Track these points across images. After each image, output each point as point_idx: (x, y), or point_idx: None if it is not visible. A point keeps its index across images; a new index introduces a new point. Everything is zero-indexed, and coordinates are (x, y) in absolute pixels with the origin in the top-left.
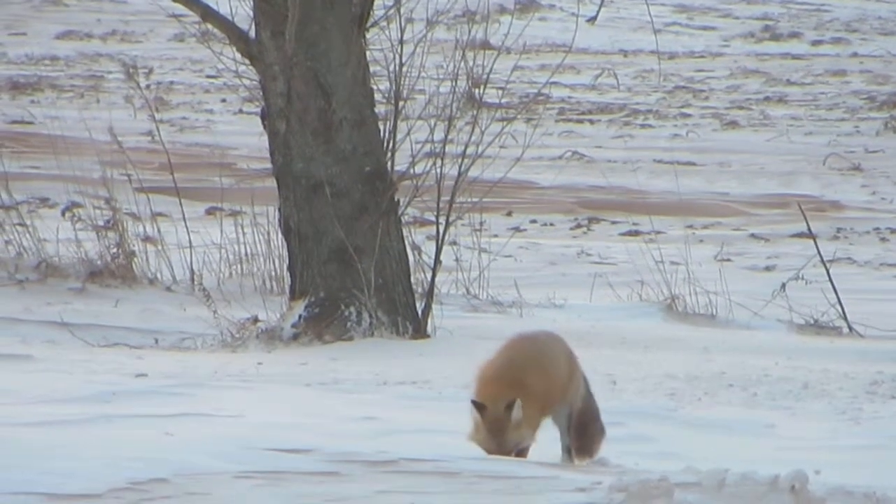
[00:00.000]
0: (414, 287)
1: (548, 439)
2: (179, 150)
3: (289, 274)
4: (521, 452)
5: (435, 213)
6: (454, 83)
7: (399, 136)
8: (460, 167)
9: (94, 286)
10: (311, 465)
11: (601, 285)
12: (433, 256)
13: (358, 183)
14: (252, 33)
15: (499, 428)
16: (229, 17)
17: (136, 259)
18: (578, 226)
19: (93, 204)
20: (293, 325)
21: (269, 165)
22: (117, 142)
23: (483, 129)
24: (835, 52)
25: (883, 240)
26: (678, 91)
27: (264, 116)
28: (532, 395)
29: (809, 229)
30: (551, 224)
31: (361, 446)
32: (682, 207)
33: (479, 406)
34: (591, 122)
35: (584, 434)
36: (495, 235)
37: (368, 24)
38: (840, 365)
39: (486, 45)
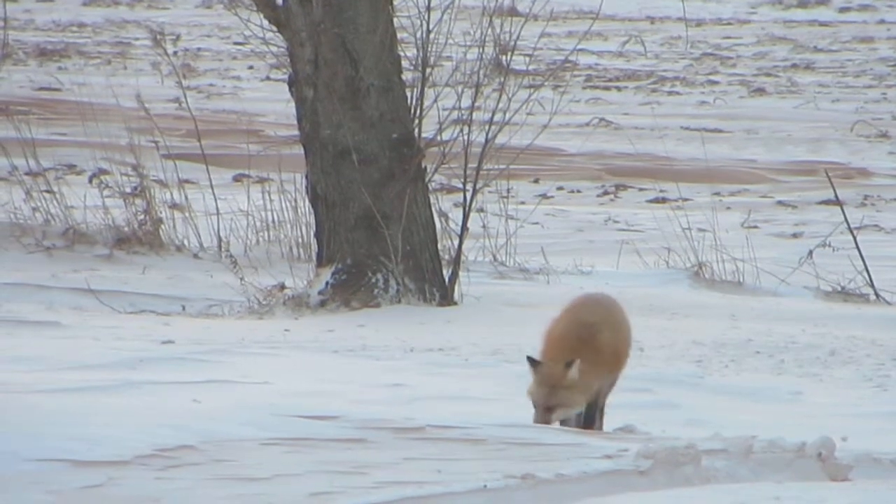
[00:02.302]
0: (441, 254)
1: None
2: (207, 117)
3: (316, 241)
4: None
5: (462, 179)
6: (481, 50)
7: (426, 103)
8: (487, 134)
9: (121, 253)
10: (338, 431)
11: (628, 252)
12: (460, 223)
13: (385, 150)
14: (279, 0)
15: (552, 383)
16: None
17: (163, 226)
18: (605, 193)
19: (120, 171)
20: (320, 292)
21: (296, 132)
22: (144, 108)
23: (510, 95)
24: (862, 19)
25: None
26: (705, 58)
27: (292, 83)
28: (600, 356)
29: (836, 196)
30: (578, 191)
31: (388, 413)
32: (710, 174)
33: (533, 362)
34: (619, 88)
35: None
36: (522, 202)
37: None
38: (867, 332)
39: (513, 11)
